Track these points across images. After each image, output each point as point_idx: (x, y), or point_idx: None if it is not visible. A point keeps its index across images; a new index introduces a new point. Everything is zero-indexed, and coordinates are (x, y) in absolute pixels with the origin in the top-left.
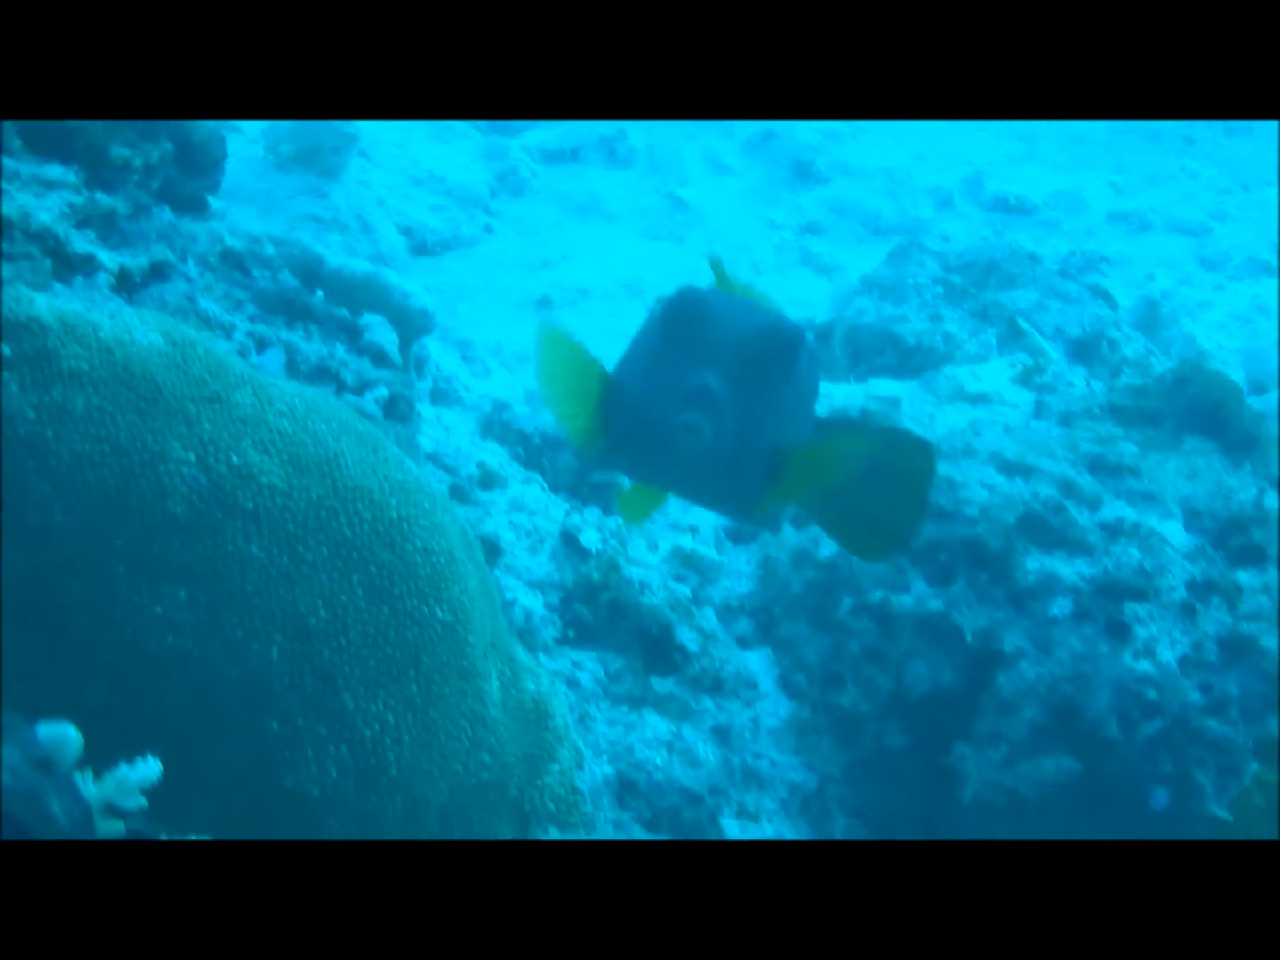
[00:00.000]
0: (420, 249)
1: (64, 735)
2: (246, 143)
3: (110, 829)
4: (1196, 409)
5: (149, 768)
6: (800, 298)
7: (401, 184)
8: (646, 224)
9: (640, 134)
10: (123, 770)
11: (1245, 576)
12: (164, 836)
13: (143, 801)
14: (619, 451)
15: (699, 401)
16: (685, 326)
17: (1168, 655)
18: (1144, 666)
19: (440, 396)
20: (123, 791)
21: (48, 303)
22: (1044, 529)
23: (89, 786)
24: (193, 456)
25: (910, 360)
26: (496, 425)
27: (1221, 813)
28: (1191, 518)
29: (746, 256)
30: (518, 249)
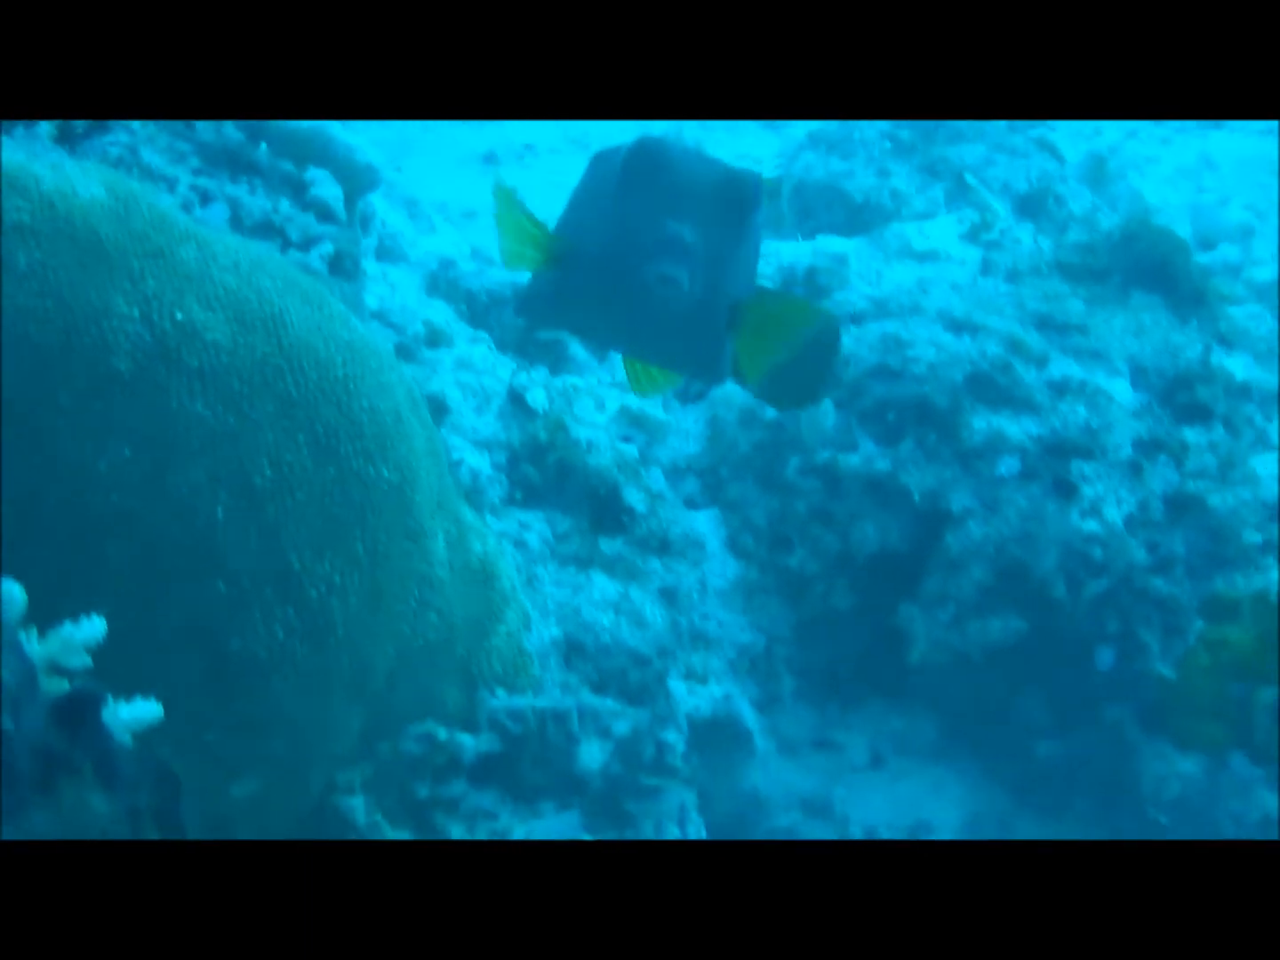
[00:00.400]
0: None
1: (7, 593)
2: None
3: (55, 687)
4: (1143, 265)
5: (93, 626)
6: (747, 153)
7: None
8: None
9: None
10: (67, 629)
11: (1191, 434)
12: (109, 696)
13: (88, 660)
14: (578, 304)
15: (674, 251)
16: (647, 176)
17: (1114, 514)
18: (1090, 525)
19: (386, 253)
20: (67, 650)
21: None
22: (991, 387)
23: (33, 645)
24: (136, 312)
25: (858, 216)
26: (443, 283)
27: (1166, 671)
28: (1138, 375)
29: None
30: None
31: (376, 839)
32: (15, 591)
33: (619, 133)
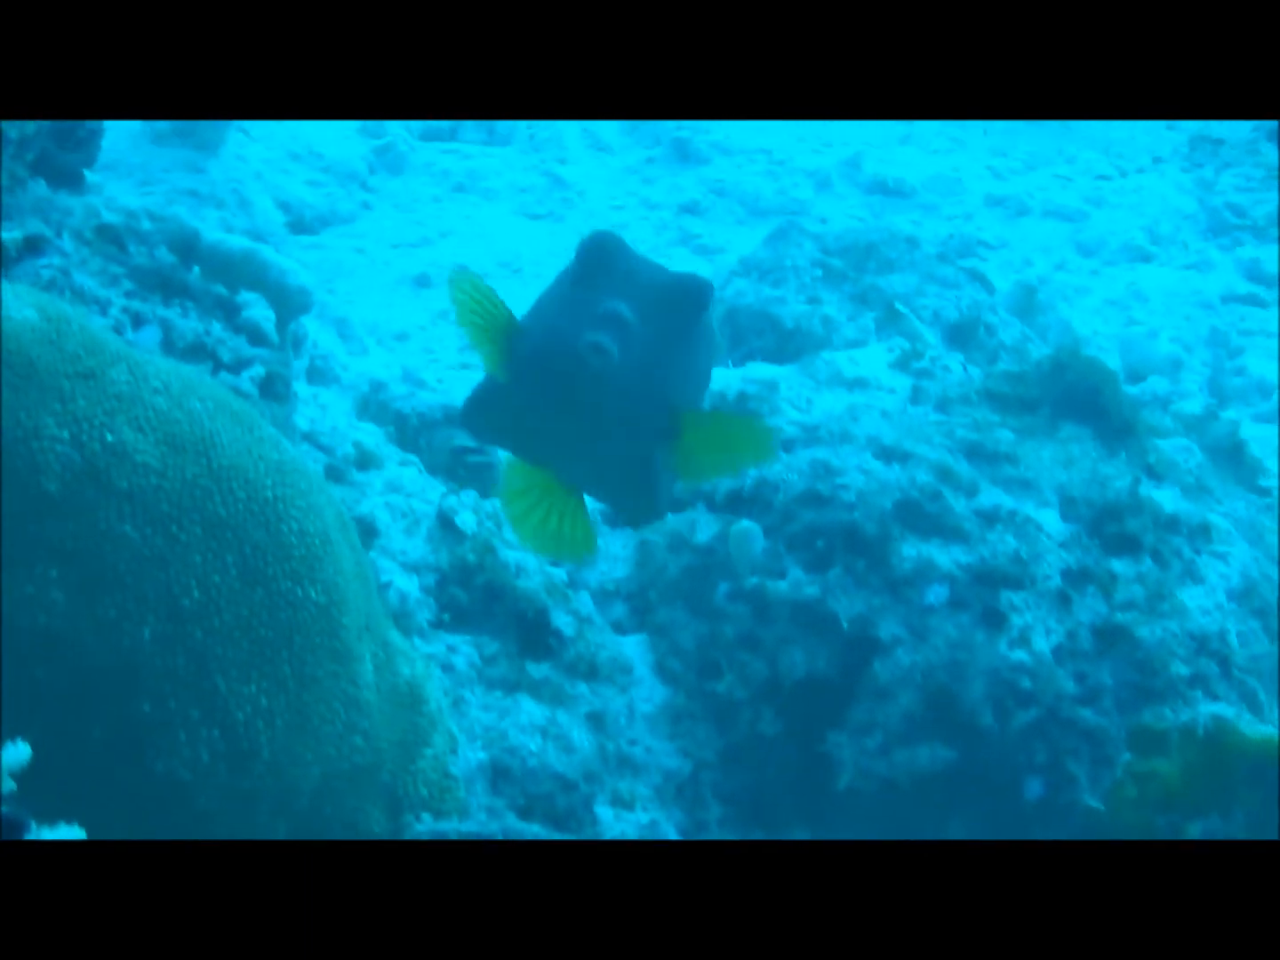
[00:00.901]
0: (298, 225)
1: None
2: None
3: None
4: (1073, 396)
5: (18, 751)
6: None
7: (279, 159)
8: (525, 202)
9: None
10: None
11: (1120, 565)
12: (32, 822)
13: (12, 785)
14: (521, 396)
15: (609, 324)
16: (599, 264)
17: (1042, 644)
18: (1019, 655)
19: (317, 375)
20: None
21: None
22: (921, 515)
23: None
24: (66, 434)
25: (789, 343)
26: (373, 405)
27: (1094, 802)
28: (1067, 505)
29: (626, 236)
30: (396, 226)
31: None
32: None
33: (551, 258)
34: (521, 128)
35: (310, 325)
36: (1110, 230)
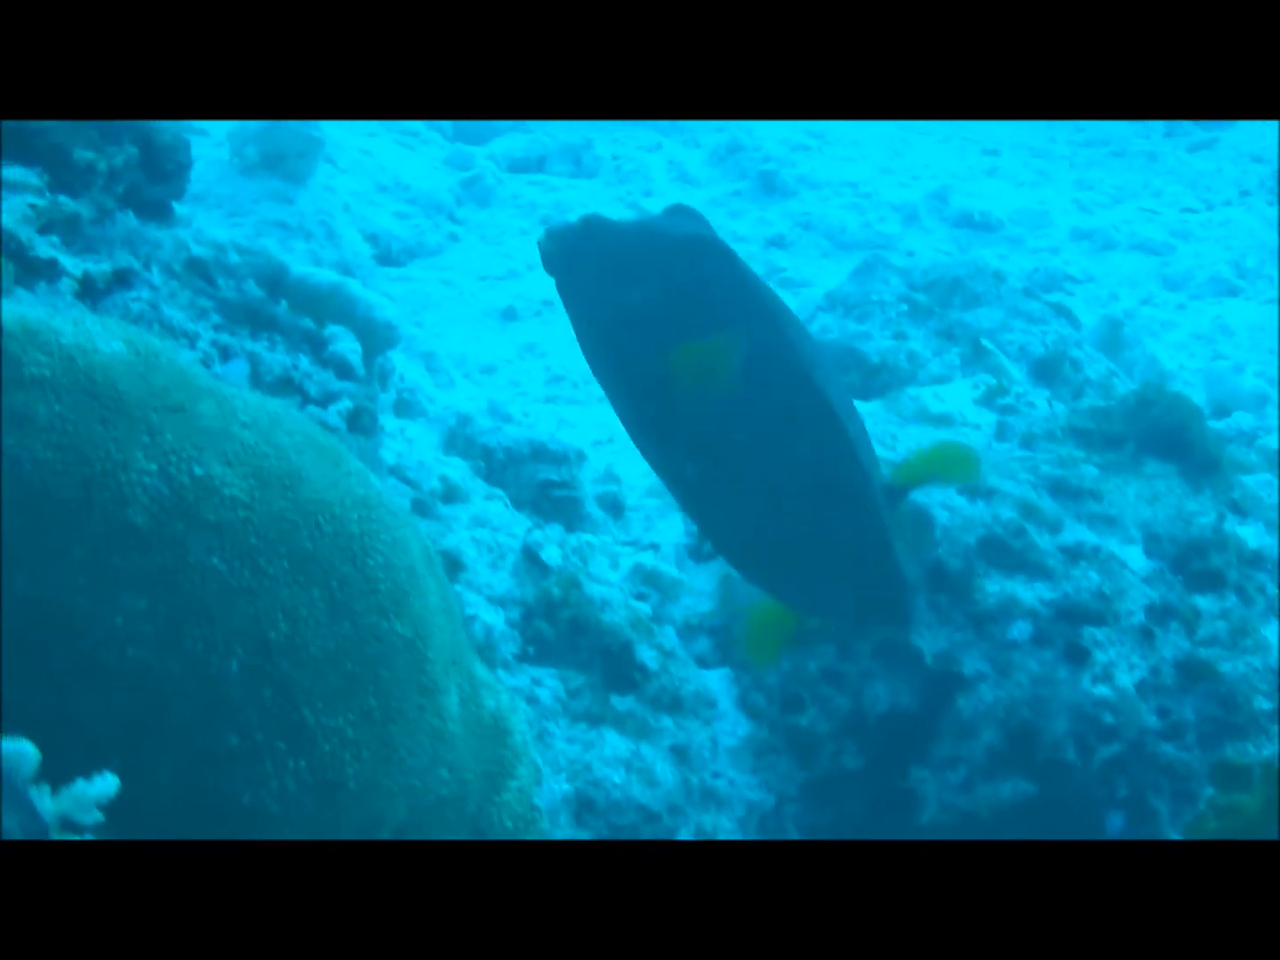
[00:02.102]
0: (385, 257)
1: (21, 751)
2: (212, 146)
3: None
4: (1158, 431)
5: (106, 783)
6: None
7: (367, 190)
8: None
9: (606, 144)
10: (80, 785)
11: (1203, 601)
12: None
13: (100, 817)
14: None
15: None
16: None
17: (1125, 680)
18: (1102, 691)
19: (404, 408)
20: (79, 807)
21: (9, 308)
22: (1004, 552)
23: (45, 802)
24: (155, 467)
25: (874, 379)
26: (460, 439)
27: (1176, 836)
28: (1151, 542)
29: None
30: (483, 258)
31: None
32: (28, 749)
33: None
34: (607, 159)
35: (397, 358)
36: (1196, 264)
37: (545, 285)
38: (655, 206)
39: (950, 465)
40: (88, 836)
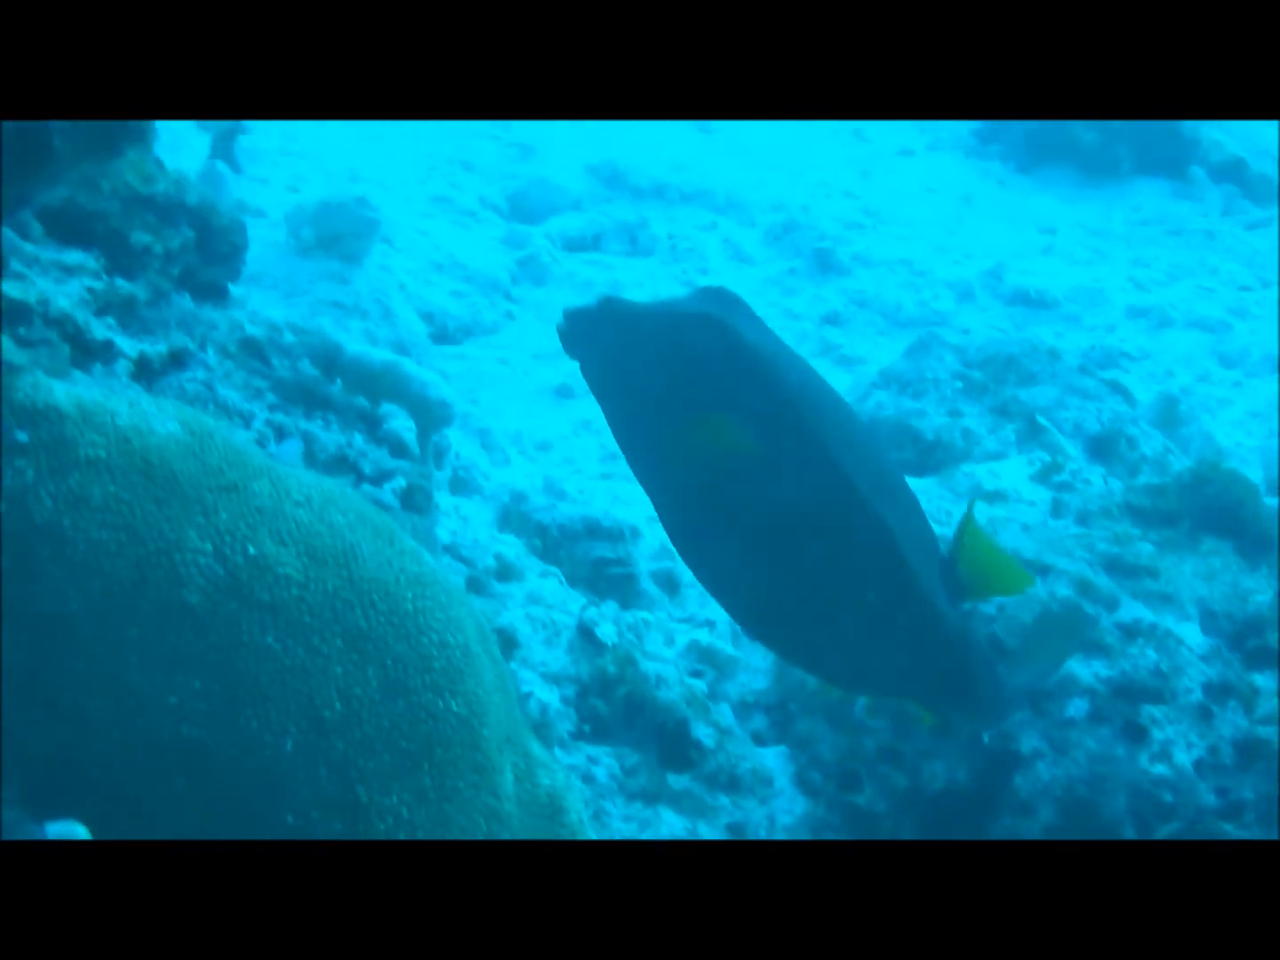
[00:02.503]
0: (441, 335)
1: (72, 834)
2: (269, 227)
3: None
4: (1214, 509)
5: (71, 829)
6: None
7: (423, 269)
8: None
9: (661, 222)
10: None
11: (1261, 679)
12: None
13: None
14: None
15: None
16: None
17: (1184, 758)
18: (1160, 769)
19: (460, 485)
20: None
21: (66, 390)
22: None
23: None
24: (209, 546)
25: (930, 456)
26: (514, 516)
27: None
28: (1208, 619)
29: None
30: (538, 336)
31: None
32: (79, 832)
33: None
34: (663, 238)
35: (452, 435)
36: (1253, 341)
37: None
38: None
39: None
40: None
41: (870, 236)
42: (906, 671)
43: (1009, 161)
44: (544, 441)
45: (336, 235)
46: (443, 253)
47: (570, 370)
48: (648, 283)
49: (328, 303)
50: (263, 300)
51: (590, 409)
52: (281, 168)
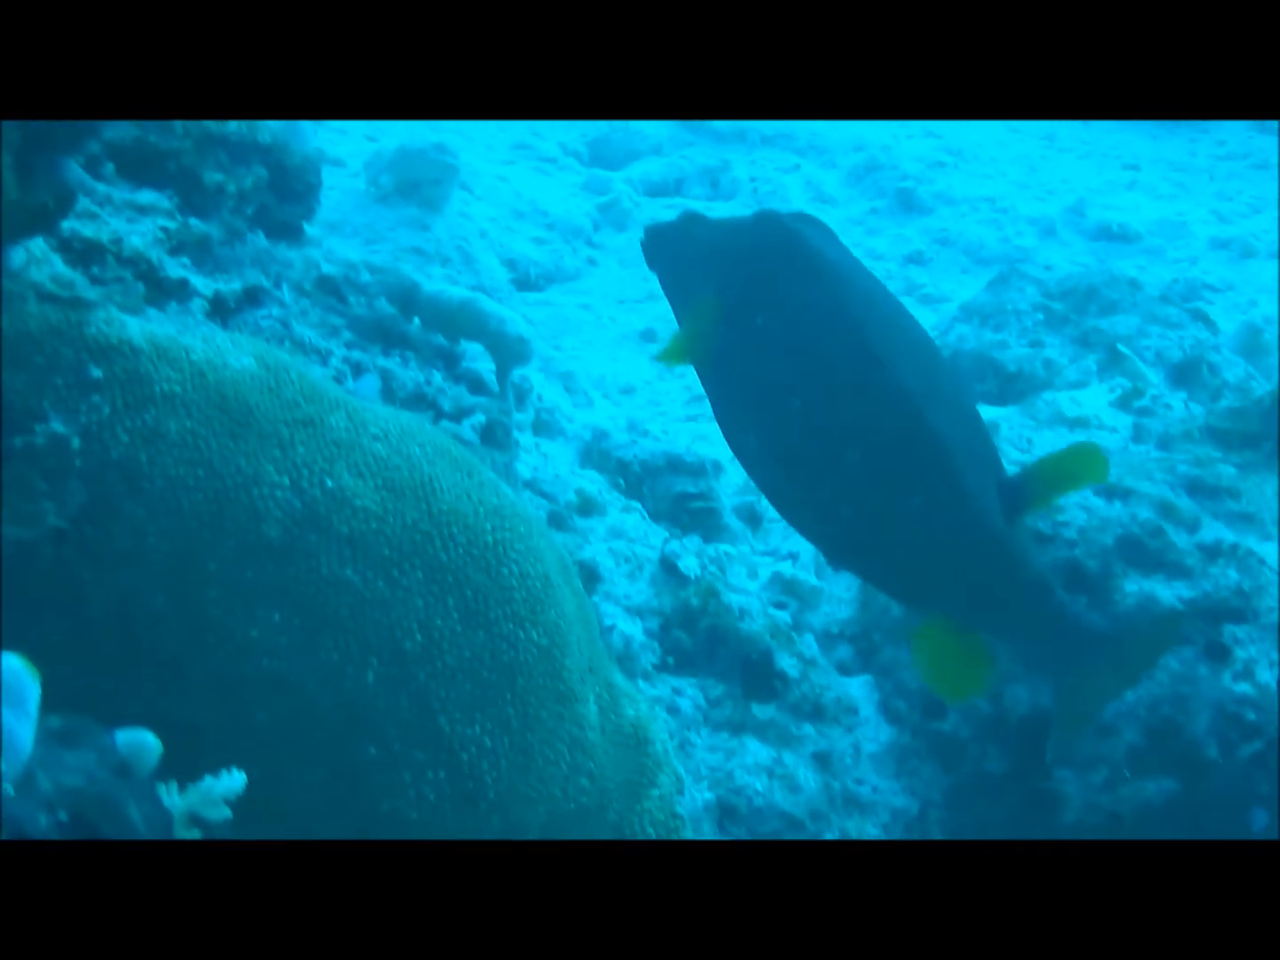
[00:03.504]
0: (524, 282)
1: (142, 742)
2: (348, 176)
3: (190, 837)
4: None
5: (234, 779)
6: None
7: (504, 216)
8: None
9: (743, 165)
10: (207, 781)
11: None
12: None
13: (227, 813)
14: None
15: None
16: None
17: (1267, 676)
18: (1243, 688)
19: (542, 427)
20: (207, 802)
21: (140, 326)
22: (1142, 551)
23: (174, 798)
24: (287, 480)
25: (1011, 386)
26: (596, 453)
27: None
28: None
29: None
30: (621, 282)
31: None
32: (149, 740)
33: None
34: (745, 181)
35: (535, 379)
36: None
37: None
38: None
39: (1080, 468)
40: (215, 834)
41: (952, 175)
42: (963, 585)
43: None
44: (628, 385)
45: (416, 182)
46: (524, 199)
47: (655, 314)
48: None
49: (408, 249)
50: (345, 247)
51: None
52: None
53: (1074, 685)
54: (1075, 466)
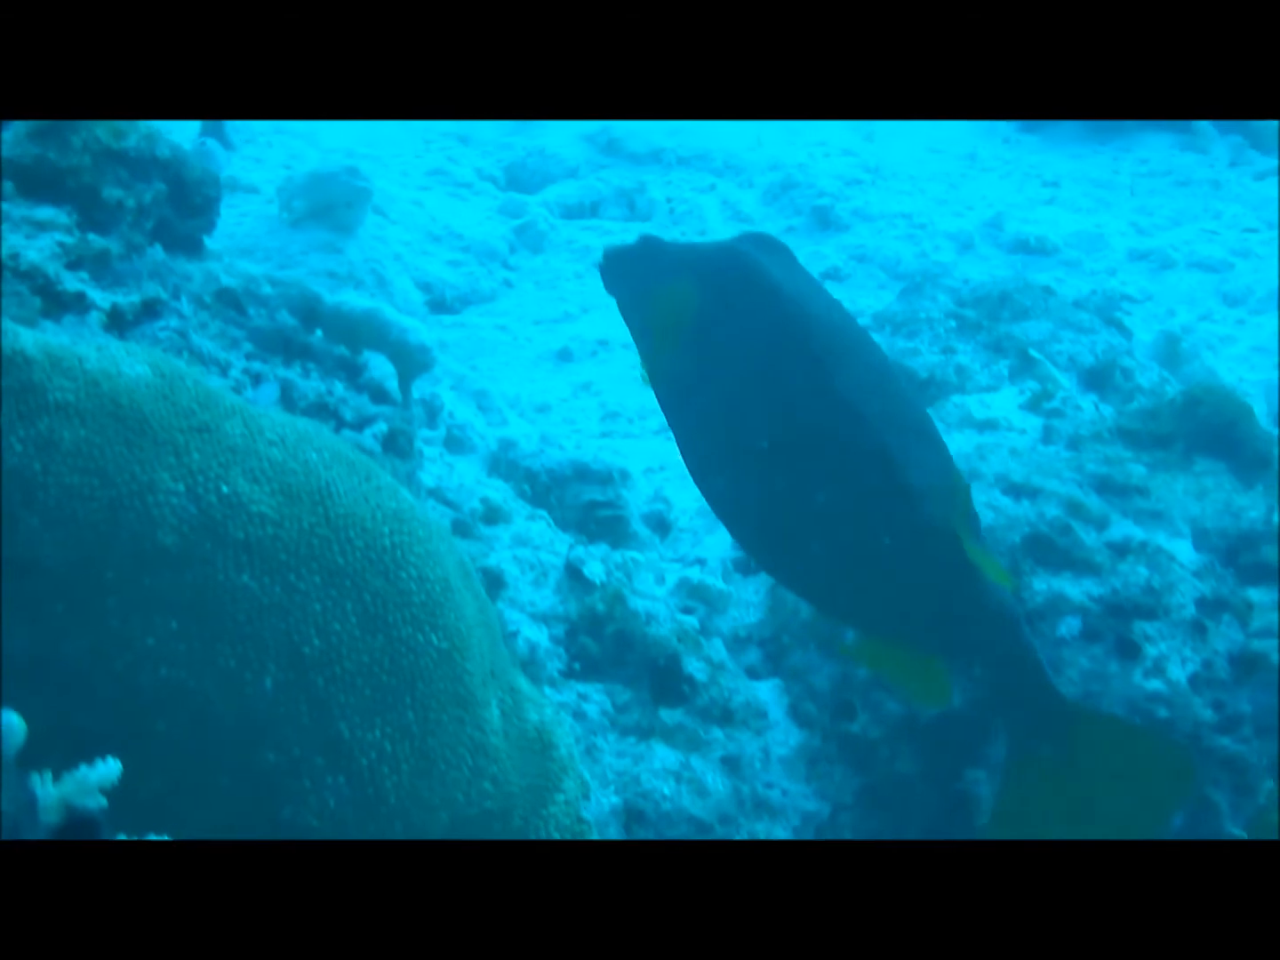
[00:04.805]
0: (439, 305)
1: (8, 723)
2: (262, 203)
3: (54, 822)
4: (1207, 430)
5: (108, 767)
6: None
7: (419, 240)
8: None
9: (659, 186)
10: (81, 770)
11: (1256, 593)
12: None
13: (103, 802)
14: None
15: None
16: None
17: (1178, 673)
18: (1154, 685)
19: (454, 444)
20: (82, 791)
21: (33, 337)
22: (1051, 549)
23: (47, 787)
24: (182, 487)
25: (923, 393)
26: (503, 463)
27: (1237, 831)
28: (1200, 536)
29: None
30: (537, 303)
31: None
32: (13, 720)
33: None
34: (661, 201)
35: (448, 397)
36: (1257, 280)
37: (600, 326)
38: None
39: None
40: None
41: (870, 192)
42: (931, 612)
43: (1015, 120)
44: (543, 404)
45: (328, 205)
46: (439, 223)
47: (571, 334)
48: None
49: (322, 273)
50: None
51: (590, 371)
52: (276, 147)
53: (1025, 742)
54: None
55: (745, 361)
